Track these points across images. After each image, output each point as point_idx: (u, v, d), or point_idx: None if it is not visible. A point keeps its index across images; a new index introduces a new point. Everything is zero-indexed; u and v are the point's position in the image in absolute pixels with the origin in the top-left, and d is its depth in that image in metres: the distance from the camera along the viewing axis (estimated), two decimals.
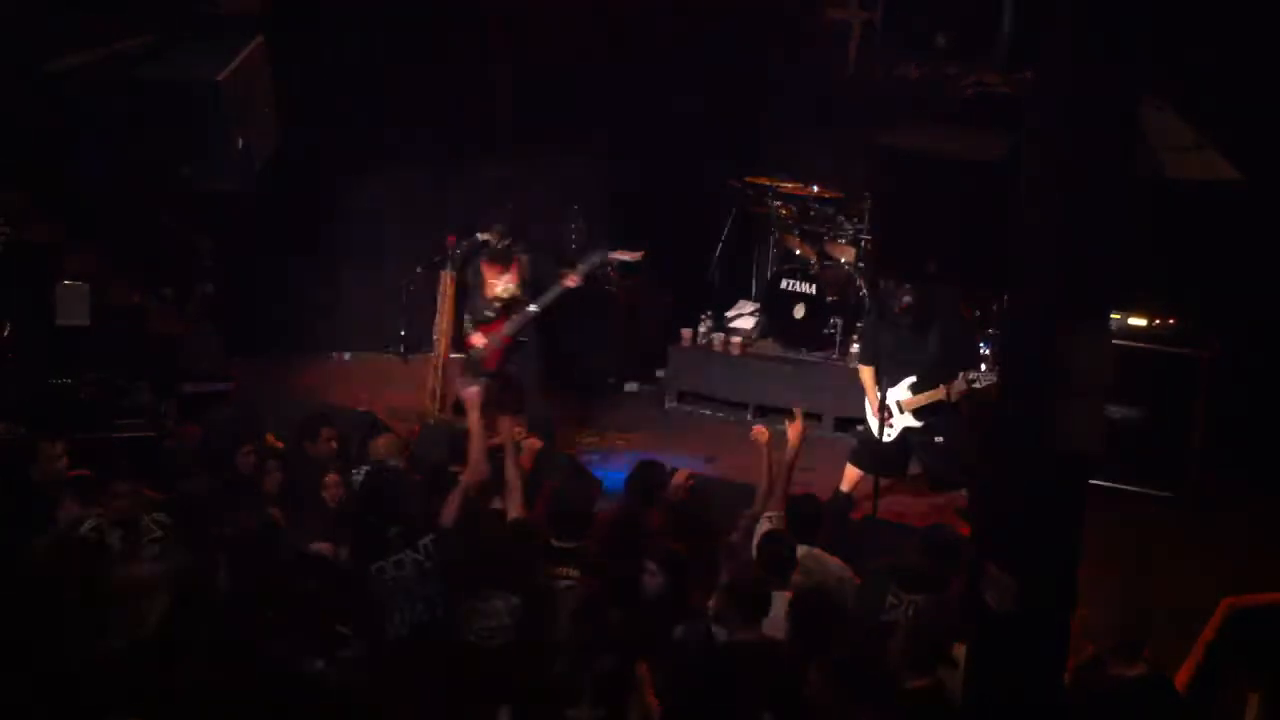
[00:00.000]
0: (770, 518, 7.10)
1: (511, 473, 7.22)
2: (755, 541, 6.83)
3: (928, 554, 6.82)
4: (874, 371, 8.72)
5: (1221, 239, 4.48)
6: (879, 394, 8.55)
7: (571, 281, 9.40)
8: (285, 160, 7.53)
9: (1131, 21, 4.06)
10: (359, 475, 7.63)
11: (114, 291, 9.65)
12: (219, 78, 6.62)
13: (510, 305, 9.46)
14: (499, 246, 9.44)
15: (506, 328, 9.43)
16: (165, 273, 10.31)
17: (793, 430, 7.51)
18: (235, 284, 11.11)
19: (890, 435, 8.56)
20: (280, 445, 8.31)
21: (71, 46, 6.79)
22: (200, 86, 6.64)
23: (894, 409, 8.50)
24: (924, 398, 8.46)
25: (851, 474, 8.89)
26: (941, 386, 8.39)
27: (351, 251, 12.09)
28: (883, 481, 8.68)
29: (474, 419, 7.47)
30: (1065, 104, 4.14)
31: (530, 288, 9.47)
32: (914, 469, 9.21)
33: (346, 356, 12.17)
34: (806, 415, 7.79)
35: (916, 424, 8.47)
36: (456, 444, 7.87)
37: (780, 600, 6.28)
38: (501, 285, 9.44)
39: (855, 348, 10.40)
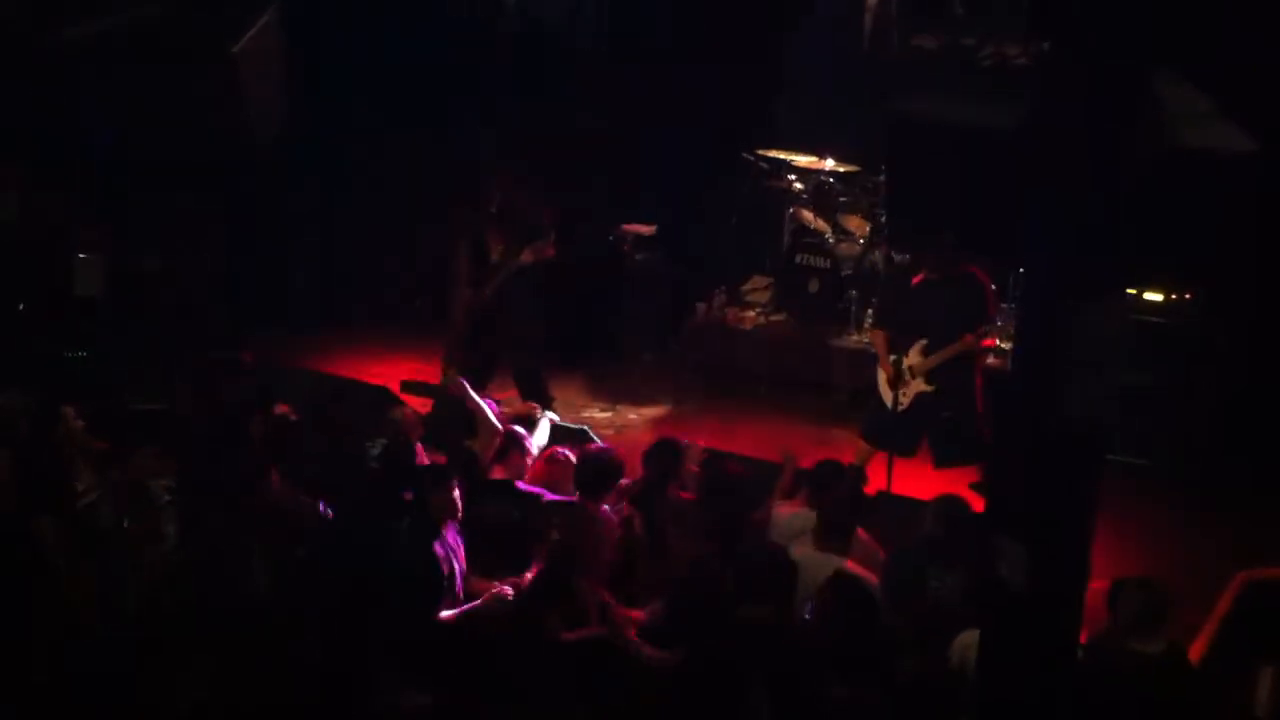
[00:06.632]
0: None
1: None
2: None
3: (946, 528, 6.78)
4: (887, 337, 8.71)
5: (1238, 211, 4.43)
6: (891, 360, 8.53)
7: (526, 257, 9.52)
8: (299, 129, 7.50)
9: None
10: (375, 448, 7.64)
11: (128, 263, 9.66)
12: (235, 48, 6.61)
13: (499, 266, 9.61)
14: (498, 210, 9.59)
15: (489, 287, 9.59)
16: (178, 244, 10.31)
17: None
18: (249, 254, 11.08)
19: (904, 403, 8.52)
20: (295, 417, 8.29)
21: (82, 15, 6.76)
22: (216, 56, 6.62)
23: (906, 374, 8.48)
24: (935, 359, 8.44)
25: (863, 448, 8.87)
26: (951, 345, 8.39)
27: (365, 222, 12.06)
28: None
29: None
30: (1079, 74, 4.11)
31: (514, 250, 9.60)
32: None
33: (362, 327, 12.13)
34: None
35: (929, 388, 8.45)
36: (472, 417, 7.89)
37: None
38: (498, 248, 9.61)
39: (869, 322, 10.37)
